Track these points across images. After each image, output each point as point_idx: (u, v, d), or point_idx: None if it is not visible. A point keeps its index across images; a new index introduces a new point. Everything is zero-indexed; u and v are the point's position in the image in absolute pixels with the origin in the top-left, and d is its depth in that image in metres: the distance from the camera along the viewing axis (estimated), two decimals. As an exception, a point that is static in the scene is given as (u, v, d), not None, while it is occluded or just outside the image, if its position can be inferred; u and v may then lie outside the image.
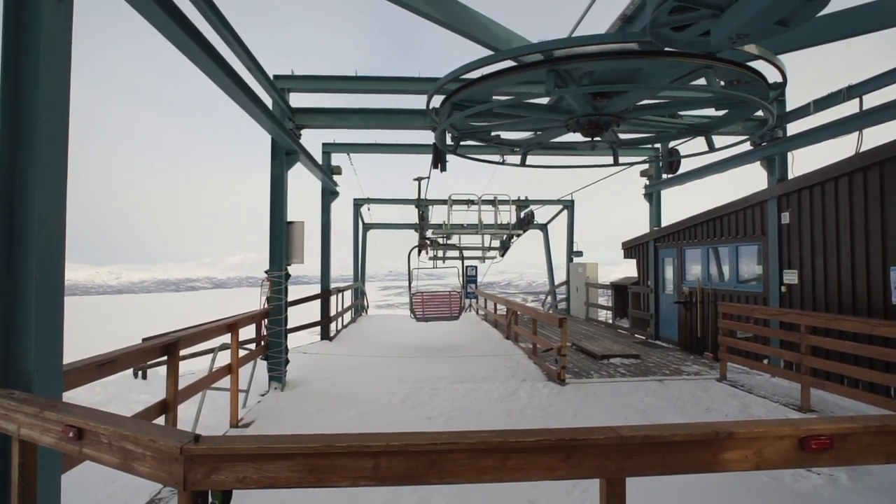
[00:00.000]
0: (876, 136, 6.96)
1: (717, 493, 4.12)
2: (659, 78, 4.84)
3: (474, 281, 22.28)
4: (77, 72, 2.91)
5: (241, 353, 6.58)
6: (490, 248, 18.52)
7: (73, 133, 2.85)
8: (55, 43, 2.73)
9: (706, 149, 6.58)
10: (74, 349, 3.40)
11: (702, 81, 4.69)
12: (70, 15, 2.84)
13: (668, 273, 12.31)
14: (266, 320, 7.90)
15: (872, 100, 7.07)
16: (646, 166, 13.00)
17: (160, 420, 4.36)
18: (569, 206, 19.18)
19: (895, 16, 4.82)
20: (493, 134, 6.66)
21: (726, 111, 5.79)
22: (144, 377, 10.09)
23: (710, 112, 6.44)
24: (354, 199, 18.49)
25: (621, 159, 11.59)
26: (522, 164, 7.43)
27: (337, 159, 12.85)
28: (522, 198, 17.69)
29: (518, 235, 17.95)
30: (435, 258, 17.98)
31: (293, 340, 9.04)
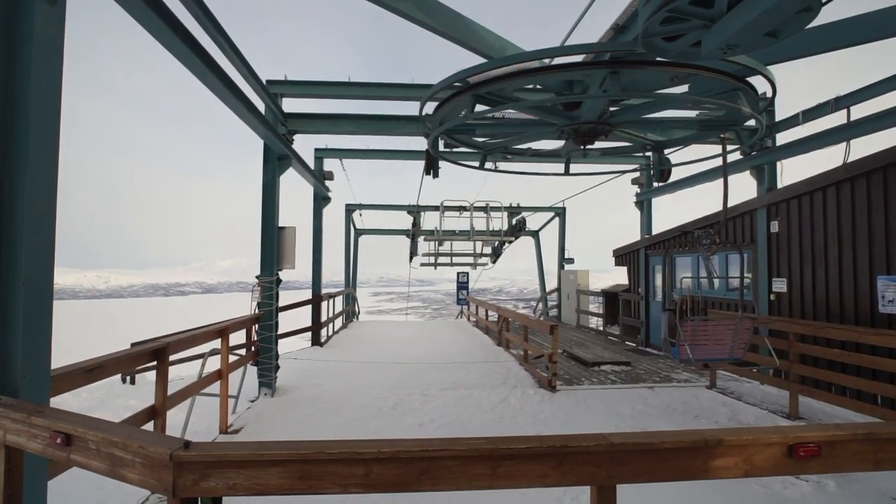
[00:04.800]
0: (863, 147, 7.06)
1: (706, 500, 4.14)
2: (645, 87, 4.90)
3: (466, 287, 22.31)
4: (66, 73, 2.89)
5: (231, 358, 6.53)
6: (482, 255, 18.55)
7: (62, 135, 2.82)
8: (47, 46, 2.71)
9: (697, 157, 6.66)
10: (62, 354, 3.37)
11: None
12: (62, 18, 2.83)
13: (659, 280, 12.38)
14: (256, 326, 7.86)
15: (859, 111, 7.16)
16: (637, 174, 13.09)
17: (149, 426, 4.32)
18: (560, 213, 19.25)
19: (883, 28, 4.91)
20: (482, 140, 6.69)
21: (709, 123, 5.87)
22: (133, 382, 9.98)
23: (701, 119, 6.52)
24: (346, 205, 18.45)
25: (613, 167, 11.70)
26: (481, 166, 7.45)
27: (329, 164, 12.85)
28: (514, 205, 17.75)
29: (510, 242, 17.99)
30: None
31: (284, 346, 8.99)
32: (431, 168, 7.18)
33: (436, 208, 16.90)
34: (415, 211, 17.37)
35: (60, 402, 4.59)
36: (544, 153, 7.67)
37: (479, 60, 5.26)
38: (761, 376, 7.74)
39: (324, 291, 13.18)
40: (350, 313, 18.91)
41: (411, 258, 18.84)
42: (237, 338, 7.32)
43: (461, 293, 22.21)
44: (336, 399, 7.33)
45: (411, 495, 4.13)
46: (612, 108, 5.60)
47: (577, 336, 14.50)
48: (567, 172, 7.58)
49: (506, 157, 7.51)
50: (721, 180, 6.51)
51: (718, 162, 9.14)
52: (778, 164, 8.83)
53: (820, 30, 5.16)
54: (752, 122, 6.57)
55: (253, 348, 7.84)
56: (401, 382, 8.34)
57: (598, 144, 6.37)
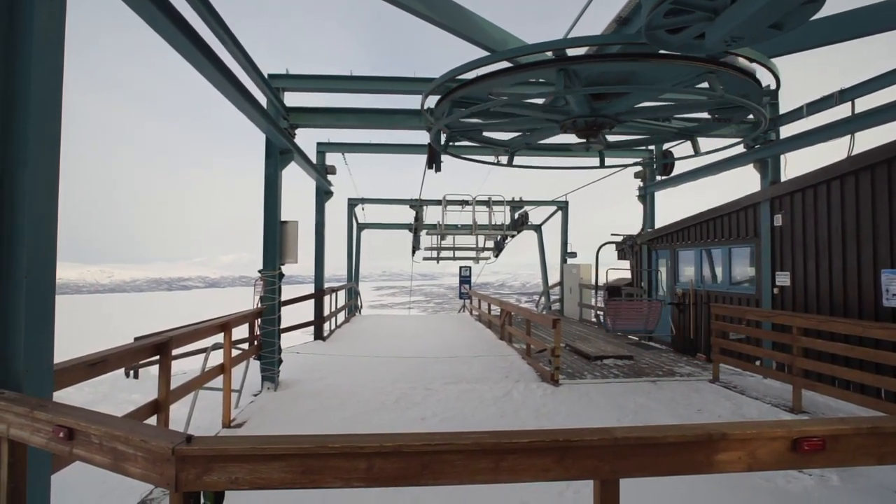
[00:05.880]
0: (867, 140, 7.01)
1: (710, 494, 4.14)
2: (662, 81, 4.85)
3: (468, 282, 22.32)
4: (67, 67, 2.88)
5: (234, 352, 6.54)
6: (484, 249, 18.55)
7: (63, 130, 2.82)
8: (48, 39, 2.69)
9: (699, 151, 6.62)
10: (65, 348, 3.37)
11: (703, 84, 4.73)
12: (63, 12, 2.81)
13: (662, 274, 12.36)
14: (259, 320, 7.87)
15: (864, 103, 7.14)
16: (640, 168, 13.05)
17: (152, 420, 4.33)
18: (563, 207, 19.20)
19: (888, 20, 4.87)
20: (484, 134, 6.67)
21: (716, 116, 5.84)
22: (136, 377, 10.04)
23: (702, 116, 6.48)
24: (349, 199, 18.43)
25: (616, 161, 11.66)
26: (509, 164, 7.43)
27: (331, 159, 12.83)
28: (517, 199, 17.72)
29: (512, 236, 18.00)
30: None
31: (286, 340, 9.01)
32: (434, 162, 7.17)
33: (438, 202, 16.91)
34: (417, 205, 17.38)
35: (64, 396, 4.61)
36: (548, 147, 7.66)
37: (481, 53, 5.23)
38: (765, 370, 7.72)
39: (326, 286, 13.19)
40: (352, 307, 18.93)
41: (414, 252, 18.87)
42: (240, 332, 7.34)
43: (463, 287, 22.21)
44: (339, 393, 7.34)
45: (413, 489, 4.15)
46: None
47: (579, 330, 14.49)
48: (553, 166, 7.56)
49: (507, 150, 7.48)
50: (723, 174, 6.49)
51: (720, 156, 9.15)
52: (781, 157, 8.79)
53: (823, 21, 5.12)
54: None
55: (256, 342, 7.86)
56: (403, 377, 8.35)
57: (613, 137, 6.33)
